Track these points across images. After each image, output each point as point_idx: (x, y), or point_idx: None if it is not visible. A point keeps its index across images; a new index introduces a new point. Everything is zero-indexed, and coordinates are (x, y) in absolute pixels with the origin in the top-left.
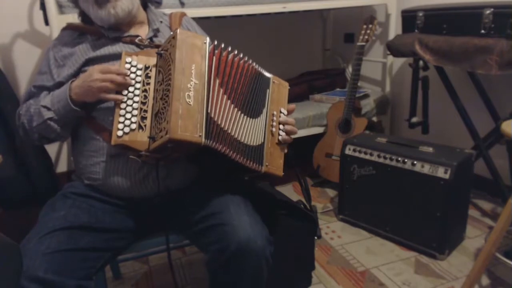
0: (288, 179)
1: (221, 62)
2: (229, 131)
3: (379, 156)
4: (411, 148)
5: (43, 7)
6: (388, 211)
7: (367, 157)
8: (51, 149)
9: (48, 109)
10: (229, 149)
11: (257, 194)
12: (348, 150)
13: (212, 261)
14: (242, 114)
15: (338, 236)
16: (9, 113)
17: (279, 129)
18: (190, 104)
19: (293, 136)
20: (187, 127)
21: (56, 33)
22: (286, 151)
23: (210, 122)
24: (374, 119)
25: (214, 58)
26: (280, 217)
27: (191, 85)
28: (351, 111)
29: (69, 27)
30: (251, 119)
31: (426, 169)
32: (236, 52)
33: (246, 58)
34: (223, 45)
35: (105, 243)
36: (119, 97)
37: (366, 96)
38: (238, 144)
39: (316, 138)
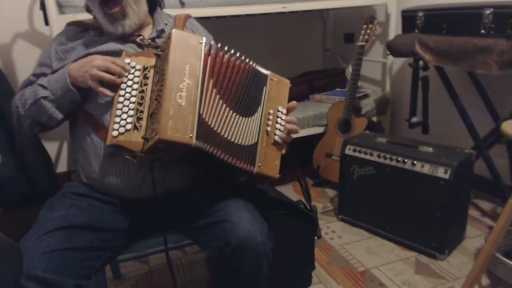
0: (288, 179)
1: (217, 62)
2: (221, 132)
3: (379, 156)
4: (411, 148)
5: (43, 7)
6: (388, 211)
7: (367, 157)
8: (51, 149)
9: (44, 87)
10: (219, 150)
11: (257, 194)
12: (348, 150)
13: (213, 258)
14: (235, 114)
15: (338, 236)
16: (9, 113)
17: (276, 128)
18: (182, 105)
19: (293, 136)
20: (178, 128)
21: (56, 33)
22: (283, 151)
23: (201, 123)
24: (374, 119)
25: (210, 58)
26: (280, 217)
27: (183, 86)
28: (351, 111)
29: (73, 23)
30: (245, 118)
31: (426, 169)
32: (232, 51)
33: (243, 57)
34: (219, 45)
35: (104, 243)
36: (107, 92)
37: (366, 96)
38: (228, 145)
39: (316, 138)
